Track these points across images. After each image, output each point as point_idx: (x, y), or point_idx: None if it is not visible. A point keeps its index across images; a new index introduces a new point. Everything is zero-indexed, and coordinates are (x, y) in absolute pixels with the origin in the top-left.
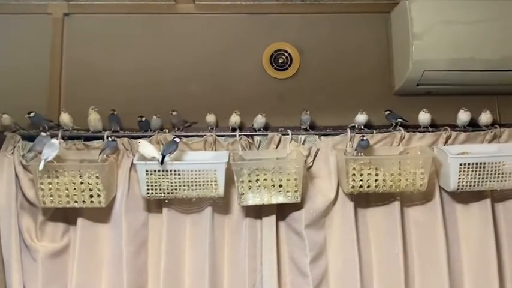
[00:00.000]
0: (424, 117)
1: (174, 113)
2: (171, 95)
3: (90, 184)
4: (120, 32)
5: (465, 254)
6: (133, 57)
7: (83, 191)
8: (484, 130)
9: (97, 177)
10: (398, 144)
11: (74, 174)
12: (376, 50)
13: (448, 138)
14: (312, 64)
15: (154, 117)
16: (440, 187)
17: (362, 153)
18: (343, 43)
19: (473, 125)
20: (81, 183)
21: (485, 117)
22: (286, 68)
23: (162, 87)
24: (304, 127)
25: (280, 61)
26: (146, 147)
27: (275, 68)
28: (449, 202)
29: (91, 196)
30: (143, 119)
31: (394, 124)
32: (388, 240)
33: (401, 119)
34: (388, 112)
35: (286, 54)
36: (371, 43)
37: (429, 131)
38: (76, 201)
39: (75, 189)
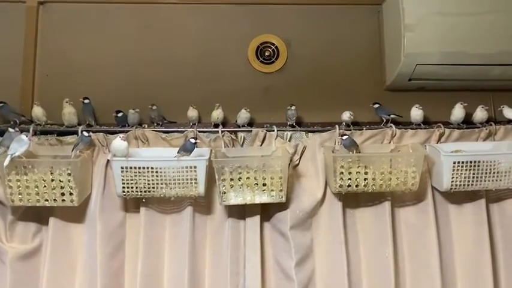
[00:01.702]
0: (416, 113)
1: (154, 107)
2: (151, 89)
3: (62, 181)
4: (98, 22)
5: (458, 257)
6: (111, 48)
7: (54, 189)
8: (478, 127)
9: (69, 174)
10: (389, 142)
11: (45, 171)
12: (367, 43)
13: (441, 135)
14: (300, 57)
15: (132, 111)
16: (432, 187)
17: (354, 151)
18: (332, 36)
19: (467, 122)
20: (52, 180)
21: (481, 114)
22: (273, 62)
23: (141, 80)
24: (290, 123)
25: (266, 54)
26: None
27: (261, 62)
28: (442, 203)
29: (63, 194)
30: (120, 114)
31: (385, 120)
32: (378, 242)
33: (394, 114)
34: (378, 105)
35: (273, 47)
36: (362, 36)
37: (421, 128)
38: (47, 200)
39: (45, 186)
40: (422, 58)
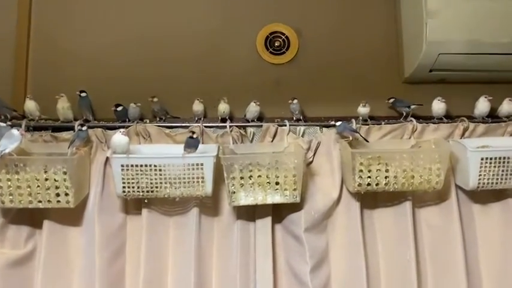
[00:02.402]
0: (438, 106)
1: (155, 99)
2: (153, 82)
3: (57, 181)
4: (97, 9)
5: (484, 261)
6: (111, 37)
7: (48, 189)
8: (505, 121)
9: (65, 172)
10: (410, 137)
11: (38, 170)
12: (384, 32)
13: (465, 130)
14: (312, 48)
15: (133, 105)
16: (456, 185)
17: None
18: (346, 25)
19: (491, 117)
20: (46, 179)
21: (507, 107)
22: (283, 52)
23: (143, 72)
24: (296, 117)
25: (276, 44)
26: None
27: (270, 52)
28: (466, 202)
29: (58, 195)
30: (119, 108)
31: (404, 114)
32: (399, 245)
33: (414, 104)
34: (393, 100)
35: (283, 37)
36: (378, 24)
37: (444, 122)
38: (40, 201)
39: (39, 186)
40: (445, 47)
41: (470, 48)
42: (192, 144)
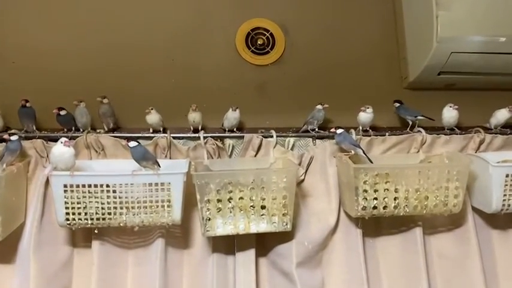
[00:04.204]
0: (450, 114)
1: (105, 100)
2: (112, 86)
3: None
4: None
5: None
6: (66, 34)
7: None
8: None
9: None
10: (418, 151)
11: None
12: (383, 29)
13: (481, 142)
14: (300, 47)
15: (81, 105)
16: (473, 208)
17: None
18: (339, 20)
19: (506, 127)
20: None
21: None
22: (267, 52)
23: (100, 74)
24: (311, 127)
25: (259, 42)
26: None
27: (253, 52)
28: (483, 228)
29: None
30: (62, 112)
31: (410, 124)
32: (407, 280)
33: (422, 116)
34: (398, 105)
35: (267, 34)
36: (376, 20)
37: (457, 133)
38: None
39: None
40: (458, 44)
41: (486, 47)
42: (141, 155)
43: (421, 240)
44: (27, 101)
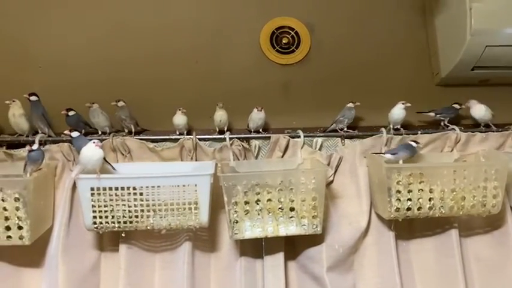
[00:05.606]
0: (484, 112)
1: (120, 103)
2: (138, 90)
3: (6, 210)
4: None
5: None
6: (80, 37)
7: None
8: None
9: (16, 199)
10: (452, 150)
11: None
12: (411, 25)
13: None
14: (326, 44)
15: (95, 106)
16: None
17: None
18: (366, 17)
19: None
20: None
21: None
22: (293, 51)
23: (126, 79)
24: (341, 126)
25: (284, 41)
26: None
27: (277, 51)
28: None
29: (8, 229)
30: (71, 112)
31: (445, 121)
32: (443, 285)
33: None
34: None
35: (292, 33)
36: (404, 15)
37: (493, 131)
38: None
39: None
40: (493, 37)
41: None
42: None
43: (457, 243)
44: (31, 94)
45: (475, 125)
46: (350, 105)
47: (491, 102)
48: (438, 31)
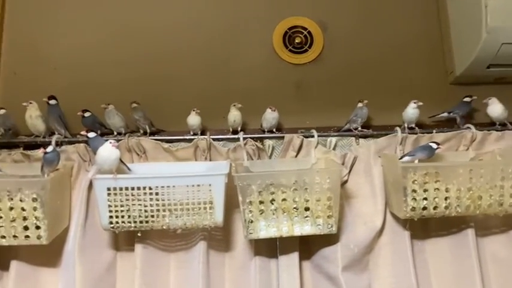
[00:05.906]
0: (501, 111)
1: (134, 104)
2: (151, 91)
3: (25, 210)
4: (78, 8)
5: None
6: (93, 40)
7: (14, 221)
8: None
9: (34, 199)
10: (467, 148)
11: (0, 196)
12: (425, 23)
13: None
14: (339, 45)
15: (111, 107)
16: None
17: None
18: (379, 16)
19: None
20: (11, 209)
21: None
22: (306, 50)
23: (139, 81)
24: (355, 126)
25: (297, 41)
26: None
27: (290, 50)
28: None
29: (26, 228)
30: (87, 113)
31: (459, 120)
32: (460, 286)
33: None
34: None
35: (305, 32)
36: (417, 13)
37: (509, 129)
38: (4, 237)
39: (1, 218)
40: (509, 35)
41: None
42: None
43: (473, 243)
44: (50, 98)
45: (490, 124)
46: (360, 104)
47: (507, 101)
48: (452, 29)
